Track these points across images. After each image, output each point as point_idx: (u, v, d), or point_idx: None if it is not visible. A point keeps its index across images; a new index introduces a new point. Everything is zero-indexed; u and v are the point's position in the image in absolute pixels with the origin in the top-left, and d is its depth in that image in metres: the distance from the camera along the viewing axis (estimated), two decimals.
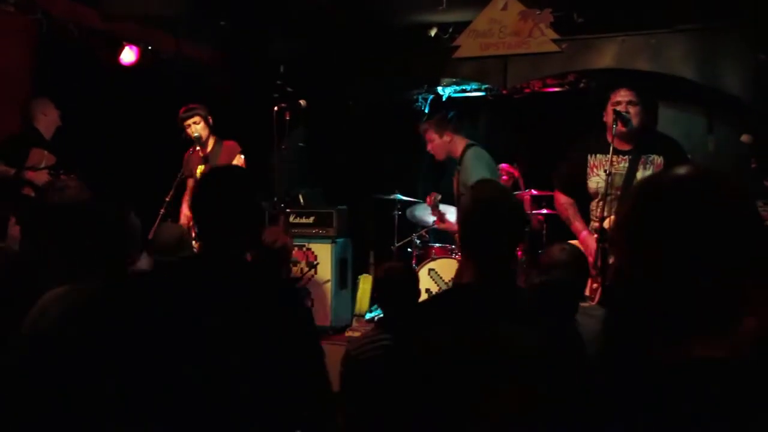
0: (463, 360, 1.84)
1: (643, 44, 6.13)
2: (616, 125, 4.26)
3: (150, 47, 6.23)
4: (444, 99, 8.31)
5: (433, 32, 6.92)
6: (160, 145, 5.91)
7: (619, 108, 4.30)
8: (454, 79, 7.77)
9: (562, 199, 4.71)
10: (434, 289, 6.27)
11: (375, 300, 3.49)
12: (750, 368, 1.14)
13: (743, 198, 1.21)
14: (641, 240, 1.24)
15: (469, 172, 4.90)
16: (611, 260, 4.27)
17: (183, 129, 5.37)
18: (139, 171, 5.92)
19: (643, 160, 4.35)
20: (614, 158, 4.31)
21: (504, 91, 7.33)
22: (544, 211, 6.40)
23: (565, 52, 6.25)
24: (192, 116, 5.35)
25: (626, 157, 4.38)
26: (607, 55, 6.24)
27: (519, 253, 5.15)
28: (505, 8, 6.32)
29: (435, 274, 6.27)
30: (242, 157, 5.35)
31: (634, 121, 4.31)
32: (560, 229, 4.95)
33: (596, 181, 4.46)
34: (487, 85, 7.64)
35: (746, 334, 1.15)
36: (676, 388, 1.16)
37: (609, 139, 4.30)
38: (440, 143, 5.08)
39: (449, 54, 6.58)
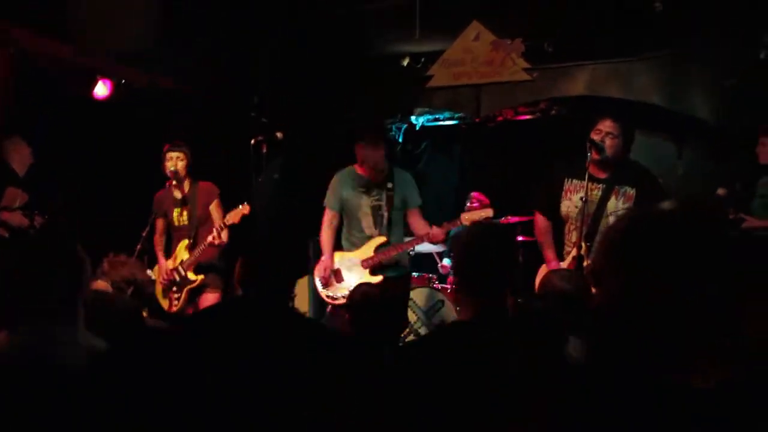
0: (463, 396, 1.85)
1: (613, 71, 6.25)
2: (591, 153, 4.34)
3: (123, 80, 6.20)
4: (417, 128, 8.37)
5: (405, 62, 6.99)
6: (135, 179, 5.88)
7: (597, 137, 4.36)
8: (427, 108, 7.83)
9: (541, 223, 4.75)
10: (412, 319, 6.27)
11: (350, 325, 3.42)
12: (741, 395, 1.16)
13: (724, 225, 1.25)
14: (628, 272, 1.26)
15: (413, 189, 5.15)
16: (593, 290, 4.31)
17: (163, 161, 5.37)
18: (114, 205, 5.88)
19: (616, 190, 4.41)
20: (590, 185, 4.37)
21: (477, 120, 7.40)
22: (520, 238, 6.44)
23: (536, 81, 6.34)
24: (178, 151, 5.37)
25: (600, 185, 4.44)
26: (578, 83, 6.35)
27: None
28: (477, 38, 6.41)
29: (413, 303, 6.26)
30: (218, 200, 5.40)
31: (608, 152, 4.37)
32: (537, 256, 4.98)
33: (567, 205, 4.52)
34: (460, 114, 7.71)
35: (739, 362, 1.18)
36: (668, 416, 1.18)
37: (590, 168, 4.37)
38: (384, 160, 5.06)
39: (423, 83, 6.65)
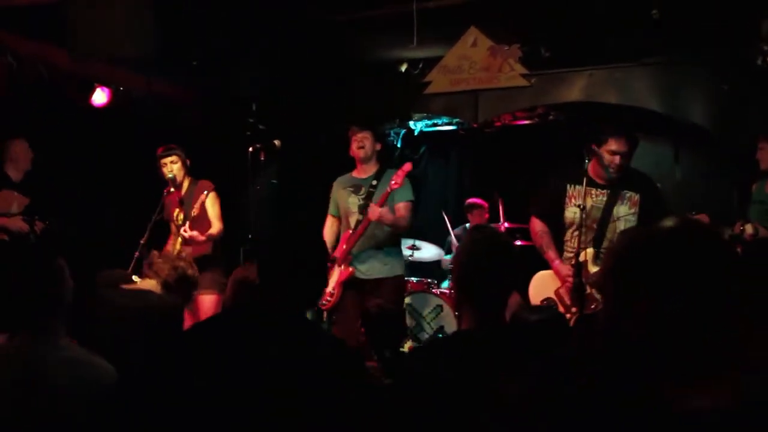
0: (464, 408, 1.84)
1: (610, 77, 6.25)
2: (588, 159, 4.36)
3: (121, 87, 6.20)
4: (416, 133, 8.38)
5: (403, 68, 7.00)
6: (134, 186, 5.87)
7: (613, 161, 4.33)
8: (425, 114, 7.84)
9: (538, 227, 4.74)
10: (411, 324, 6.26)
11: (367, 339, 3.48)
12: (735, 417, 1.16)
13: (727, 248, 1.25)
14: (630, 291, 1.26)
15: (404, 190, 5.08)
16: (588, 290, 4.35)
17: (159, 167, 5.36)
18: (113, 212, 5.87)
19: (621, 195, 4.42)
20: (593, 191, 4.41)
21: (475, 125, 7.41)
22: (519, 243, 6.45)
23: (534, 86, 6.34)
24: (170, 155, 5.35)
25: (605, 191, 4.45)
26: (575, 89, 6.35)
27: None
28: (474, 44, 6.41)
29: (411, 309, 6.26)
30: (213, 194, 5.36)
31: (614, 174, 4.38)
32: (533, 262, 4.98)
33: (573, 211, 4.51)
34: (458, 119, 7.72)
35: (735, 382, 1.18)
36: None
37: (590, 172, 4.38)
38: (372, 149, 5.16)
39: (420, 90, 6.65)
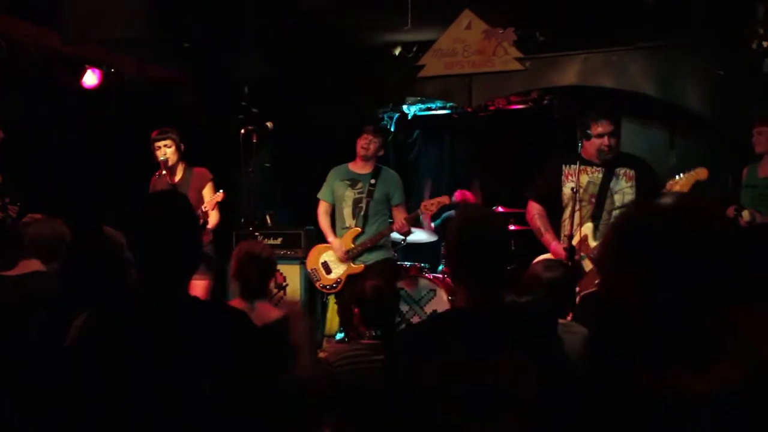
0: (458, 385, 1.82)
1: (605, 62, 6.22)
2: (581, 143, 4.42)
3: (113, 69, 6.14)
4: (409, 117, 8.35)
5: (397, 51, 6.96)
6: (126, 168, 5.83)
7: (603, 143, 4.43)
8: (419, 98, 7.80)
9: (534, 210, 4.78)
10: (404, 309, 6.25)
11: (360, 319, 3.46)
12: (736, 401, 1.14)
13: (727, 226, 1.23)
14: (627, 270, 1.25)
15: (397, 187, 5.58)
16: (587, 269, 4.38)
17: (153, 150, 5.31)
18: (105, 195, 5.83)
19: (616, 172, 4.49)
20: (589, 168, 4.52)
21: (469, 109, 7.38)
22: (512, 227, 6.43)
23: (528, 70, 6.31)
24: (164, 138, 5.29)
25: (601, 168, 4.51)
26: (570, 73, 6.32)
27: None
28: (468, 27, 6.38)
29: (404, 293, 6.24)
30: (211, 184, 5.35)
31: (610, 154, 4.49)
32: (528, 246, 4.97)
33: (571, 187, 4.56)
34: (452, 103, 7.68)
35: (735, 366, 1.16)
36: (661, 418, 1.17)
37: (584, 155, 4.52)
38: (375, 153, 5.53)
39: (414, 73, 6.62)
